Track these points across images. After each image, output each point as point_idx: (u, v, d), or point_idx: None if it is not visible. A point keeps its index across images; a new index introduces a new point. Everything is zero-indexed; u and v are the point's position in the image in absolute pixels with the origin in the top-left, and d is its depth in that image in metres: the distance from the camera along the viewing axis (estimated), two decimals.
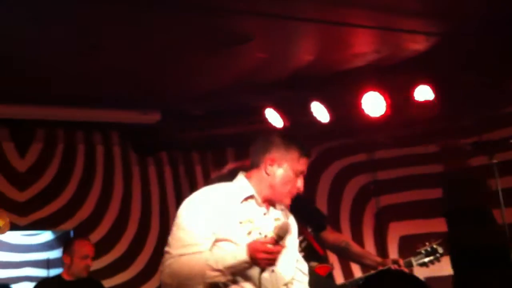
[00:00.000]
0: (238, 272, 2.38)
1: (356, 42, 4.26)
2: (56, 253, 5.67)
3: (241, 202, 2.51)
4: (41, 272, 5.84)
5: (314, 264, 3.62)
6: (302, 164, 2.56)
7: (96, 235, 5.43)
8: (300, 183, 2.56)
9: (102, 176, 5.72)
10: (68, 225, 5.48)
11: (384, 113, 4.45)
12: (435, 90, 4.32)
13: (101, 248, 5.22)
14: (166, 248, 2.45)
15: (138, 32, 3.79)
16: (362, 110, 4.51)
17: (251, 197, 2.54)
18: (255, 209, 2.54)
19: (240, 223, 2.46)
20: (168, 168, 6.02)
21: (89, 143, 5.71)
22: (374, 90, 4.43)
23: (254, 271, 2.41)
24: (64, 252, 4.37)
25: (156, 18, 3.57)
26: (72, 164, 5.62)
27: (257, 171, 2.56)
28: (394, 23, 3.86)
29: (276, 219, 2.57)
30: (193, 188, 6.03)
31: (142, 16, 3.51)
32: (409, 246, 5.19)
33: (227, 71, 4.68)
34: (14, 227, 5.30)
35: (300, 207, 3.71)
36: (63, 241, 5.20)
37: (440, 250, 3.56)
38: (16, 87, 4.56)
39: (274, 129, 5.11)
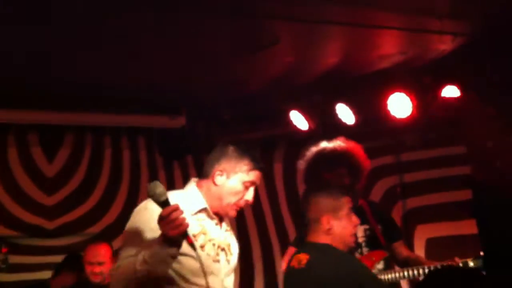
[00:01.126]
0: (162, 258, 2.29)
1: (382, 44, 4.25)
2: None
3: (193, 214, 2.48)
4: None
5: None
6: (252, 176, 2.53)
7: (122, 238, 5.46)
8: (249, 195, 2.55)
9: (128, 180, 5.77)
10: (95, 229, 5.53)
11: (411, 114, 4.43)
12: (462, 90, 4.29)
13: None
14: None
15: (165, 36, 3.82)
16: (388, 111, 4.49)
17: (204, 209, 2.52)
18: (207, 221, 2.52)
19: (193, 236, 2.42)
20: (193, 171, 6.05)
21: (116, 148, 5.77)
22: (400, 91, 4.41)
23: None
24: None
25: (182, 21, 3.59)
26: (99, 168, 5.68)
27: (206, 181, 2.55)
28: (420, 24, 3.84)
29: (227, 230, 2.62)
30: None
31: (169, 19, 3.54)
32: (436, 248, 5.16)
33: (253, 75, 4.71)
34: (42, 231, 5.42)
35: (377, 215, 3.83)
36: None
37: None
38: (45, 92, 4.64)
39: (299, 132, 5.12)
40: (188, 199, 2.51)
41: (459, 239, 3.92)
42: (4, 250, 5.02)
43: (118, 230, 5.51)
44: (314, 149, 4.03)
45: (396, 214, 5.46)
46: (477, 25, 3.87)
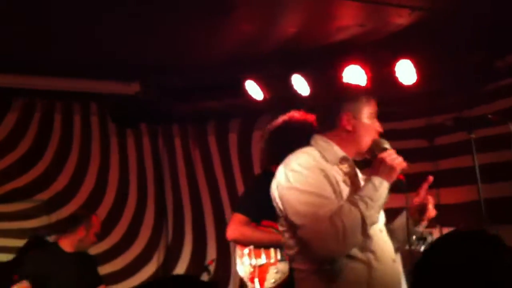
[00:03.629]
0: (383, 203, 2.29)
1: (341, 15, 4.22)
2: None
3: (339, 163, 2.45)
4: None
5: None
6: (373, 105, 2.49)
7: (72, 206, 5.37)
8: (379, 124, 2.50)
9: (79, 146, 5.65)
10: (44, 196, 5.41)
11: (365, 86, 4.44)
12: (417, 65, 4.32)
13: None
14: (308, 218, 2.29)
15: (119, 3, 3.71)
16: (343, 83, 4.50)
17: (344, 158, 2.47)
18: (350, 168, 2.48)
19: (344, 181, 2.41)
20: (147, 139, 5.97)
21: (67, 113, 5.63)
22: (356, 64, 4.42)
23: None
24: (80, 224, 4.30)
25: None
26: (49, 134, 5.55)
27: (334, 132, 2.48)
28: None
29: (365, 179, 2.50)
30: (172, 160, 6.06)
31: None
32: (389, 218, 5.25)
33: (209, 43, 4.62)
34: None
35: None
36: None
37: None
38: None
39: (254, 102, 5.09)
40: (327, 152, 2.46)
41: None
42: None
43: (67, 197, 5.45)
44: (280, 120, 3.97)
45: None
46: (435, 0, 3.88)
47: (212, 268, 4.76)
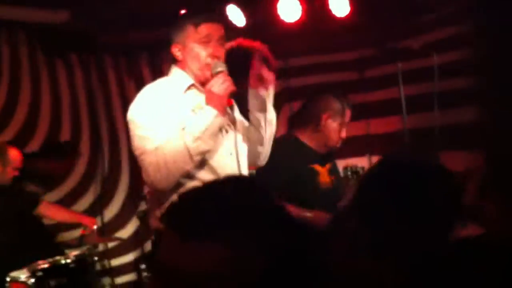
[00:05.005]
0: (214, 133, 2.42)
1: None
2: None
3: (184, 92, 2.56)
4: None
5: None
6: (202, 30, 2.56)
7: (3, 138, 5.23)
8: (214, 49, 2.57)
9: (8, 78, 5.45)
10: None
11: (299, 19, 4.49)
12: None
13: None
14: (138, 151, 2.45)
15: None
16: (278, 15, 4.52)
17: (192, 85, 2.58)
18: (199, 96, 2.56)
19: (192, 110, 2.49)
20: (78, 70, 5.84)
21: None
22: None
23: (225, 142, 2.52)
24: None
25: None
26: None
27: (179, 62, 2.64)
28: None
29: None
30: (107, 93, 5.98)
31: None
32: None
33: None
34: None
35: None
36: None
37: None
38: None
39: None
40: (175, 81, 2.61)
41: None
42: None
43: None
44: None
45: (283, 117, 5.62)
46: None
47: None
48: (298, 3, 4.42)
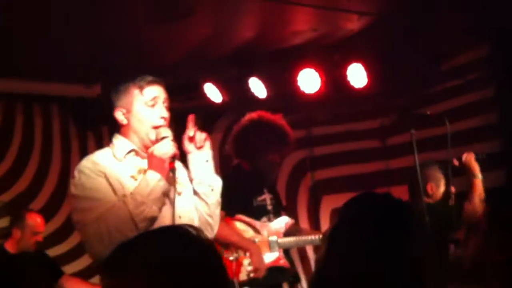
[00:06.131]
0: (158, 198, 2.33)
1: (295, 20, 4.40)
2: None
3: (124, 157, 2.48)
4: None
5: None
6: (148, 93, 2.48)
7: (34, 208, 5.39)
8: (161, 110, 2.49)
9: (40, 149, 5.67)
10: (5, 197, 5.43)
11: (319, 89, 4.64)
12: (367, 68, 4.52)
13: None
14: (80, 224, 2.36)
15: (79, 4, 3.80)
16: (298, 86, 4.68)
17: (132, 151, 2.50)
18: (140, 160, 2.49)
19: (132, 177, 2.42)
20: (108, 142, 5.99)
21: (28, 115, 5.65)
22: (310, 67, 4.60)
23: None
24: (14, 225, 4.34)
25: None
26: (10, 136, 5.55)
27: (123, 127, 2.54)
28: (330, 2, 4.03)
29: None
30: None
31: None
32: None
33: (169, 46, 4.74)
34: None
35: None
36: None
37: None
38: None
39: (213, 104, 5.21)
40: (115, 148, 2.53)
41: None
42: None
43: (28, 199, 5.47)
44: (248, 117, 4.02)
45: (305, 185, 5.69)
46: (381, 6, 4.09)
47: None
48: (317, 74, 4.58)
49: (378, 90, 4.77)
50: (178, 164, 2.55)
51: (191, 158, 2.59)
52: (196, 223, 2.55)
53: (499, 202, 2.67)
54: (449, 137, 3.57)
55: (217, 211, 2.65)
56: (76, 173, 2.43)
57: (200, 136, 2.58)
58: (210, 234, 2.60)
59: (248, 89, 4.92)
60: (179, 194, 2.52)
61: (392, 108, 5.33)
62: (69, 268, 5.25)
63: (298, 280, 4.08)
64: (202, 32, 4.45)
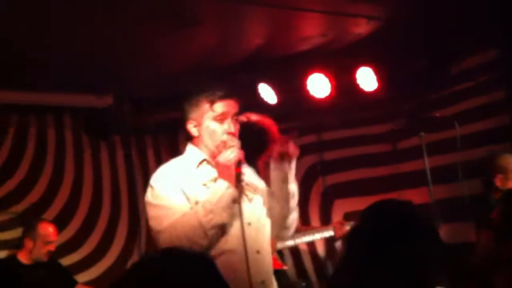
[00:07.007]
0: (227, 205, 2.40)
1: (304, 26, 4.43)
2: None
3: (197, 167, 2.57)
4: None
5: None
6: (218, 108, 2.55)
7: (46, 217, 5.43)
8: (229, 126, 2.55)
9: (53, 159, 5.73)
10: (19, 207, 5.48)
11: (329, 94, 4.66)
12: (377, 72, 4.54)
13: None
14: (153, 231, 2.45)
15: (89, 15, 3.84)
16: (308, 92, 4.70)
17: (204, 160, 2.60)
18: (212, 169, 2.58)
19: (204, 184, 2.51)
20: (120, 152, 6.07)
21: (41, 126, 5.71)
22: (319, 72, 4.62)
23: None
24: (26, 235, 4.37)
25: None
26: (23, 147, 5.61)
27: (194, 138, 2.62)
28: (337, 7, 4.05)
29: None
30: (145, 171, 6.16)
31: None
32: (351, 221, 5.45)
33: (178, 55, 4.77)
34: None
35: None
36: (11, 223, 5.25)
37: None
38: None
39: None
40: (188, 157, 2.61)
41: None
42: None
43: (42, 210, 5.52)
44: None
45: (317, 190, 5.70)
46: (390, 10, 4.10)
47: None
48: (327, 79, 4.60)
49: (388, 94, 4.78)
50: (247, 170, 2.63)
51: (275, 165, 2.63)
52: (267, 229, 2.63)
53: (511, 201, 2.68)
54: (458, 140, 3.57)
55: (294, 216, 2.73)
56: (151, 181, 2.54)
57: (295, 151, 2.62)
58: (286, 234, 2.73)
59: (258, 95, 4.95)
60: (250, 200, 2.60)
61: (402, 112, 5.34)
62: (82, 277, 5.29)
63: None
64: (210, 40, 4.48)
